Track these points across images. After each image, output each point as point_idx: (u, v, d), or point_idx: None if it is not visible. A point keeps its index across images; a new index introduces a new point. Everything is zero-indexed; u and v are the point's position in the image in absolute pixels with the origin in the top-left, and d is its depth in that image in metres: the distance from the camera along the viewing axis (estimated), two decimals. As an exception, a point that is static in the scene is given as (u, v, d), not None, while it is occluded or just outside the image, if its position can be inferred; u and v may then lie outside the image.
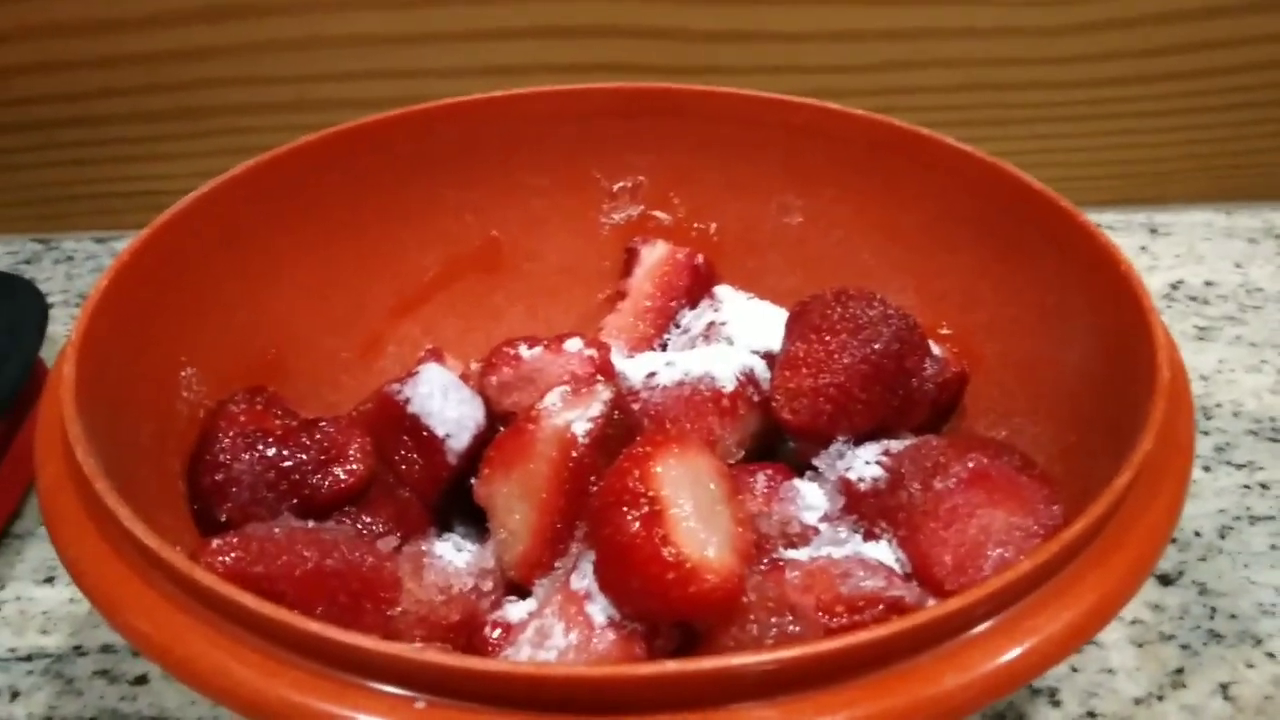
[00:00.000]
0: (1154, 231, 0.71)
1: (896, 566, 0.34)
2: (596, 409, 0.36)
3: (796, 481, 0.38)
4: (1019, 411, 0.41)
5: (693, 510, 0.31)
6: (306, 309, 0.45)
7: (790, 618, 0.31)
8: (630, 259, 0.50)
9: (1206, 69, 0.70)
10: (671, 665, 0.24)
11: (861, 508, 0.37)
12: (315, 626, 0.24)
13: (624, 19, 0.65)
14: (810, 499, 0.37)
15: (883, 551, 0.34)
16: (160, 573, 0.27)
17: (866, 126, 0.46)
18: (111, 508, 0.28)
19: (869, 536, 0.36)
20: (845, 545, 0.35)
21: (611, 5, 0.65)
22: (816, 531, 0.36)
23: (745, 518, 0.33)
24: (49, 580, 0.48)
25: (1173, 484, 0.30)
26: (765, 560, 0.34)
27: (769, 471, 0.38)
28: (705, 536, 0.31)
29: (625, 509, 0.31)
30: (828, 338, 0.39)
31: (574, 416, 0.36)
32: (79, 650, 0.44)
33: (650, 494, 0.31)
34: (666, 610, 0.31)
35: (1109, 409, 0.36)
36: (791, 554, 0.34)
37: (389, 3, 0.64)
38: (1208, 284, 0.66)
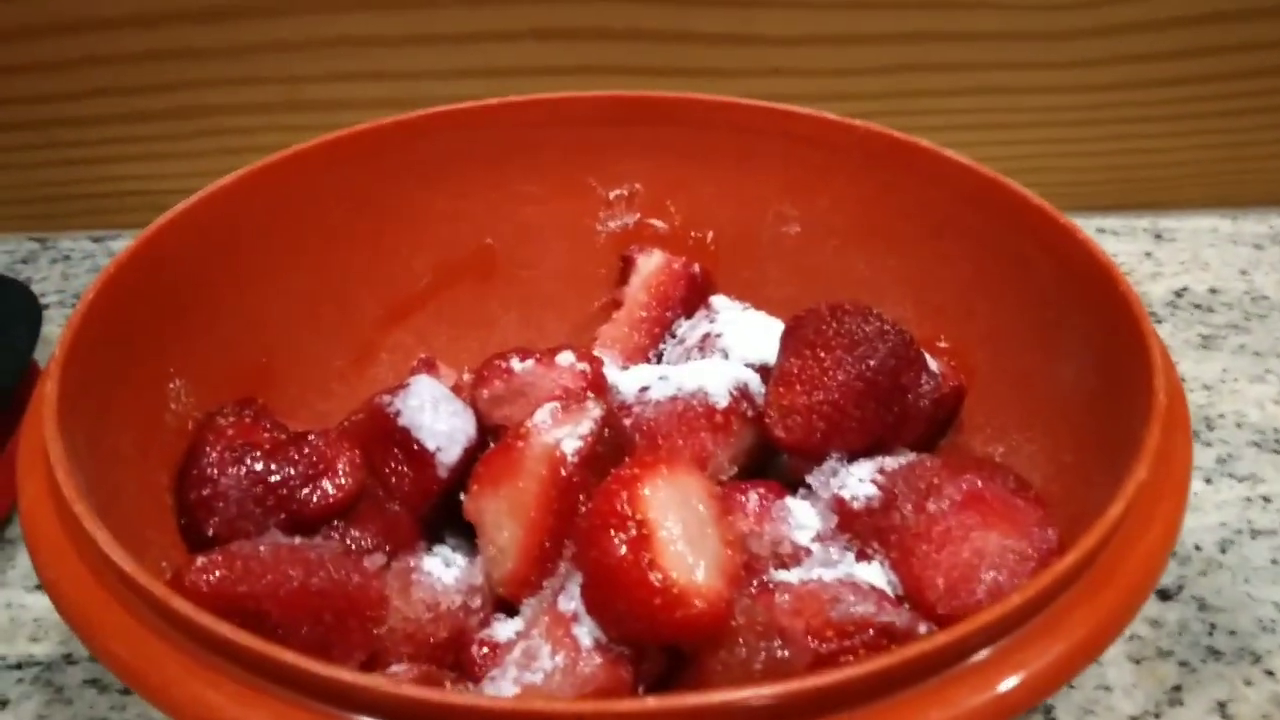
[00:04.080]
0: (1158, 237, 0.70)
1: (888, 589, 0.34)
2: (586, 426, 0.36)
3: (789, 500, 0.38)
4: (1014, 427, 0.41)
5: (680, 533, 0.31)
6: (297, 317, 0.45)
7: (779, 642, 0.31)
8: (626, 267, 0.49)
9: (1212, 74, 0.70)
10: (652, 702, 0.23)
11: (855, 527, 0.36)
12: (290, 657, 0.24)
13: (622, 21, 0.65)
14: (802, 518, 0.36)
15: (875, 573, 0.34)
16: (138, 598, 0.27)
17: (863, 137, 0.46)
18: (90, 531, 0.27)
19: (861, 557, 0.35)
20: (837, 566, 0.35)
21: (609, 7, 0.64)
22: (809, 552, 0.35)
23: (734, 539, 0.32)
24: (40, 587, 0.47)
25: (1167, 512, 0.30)
26: (755, 582, 0.33)
27: (761, 490, 0.38)
28: (693, 560, 0.31)
29: (612, 532, 0.31)
30: (822, 354, 0.39)
31: (563, 434, 0.36)
32: (69, 659, 0.44)
33: (638, 517, 0.31)
34: (653, 634, 0.31)
35: (1105, 429, 0.35)
36: (782, 575, 0.34)
37: (382, 4, 0.63)
38: (1212, 291, 0.66)
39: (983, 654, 0.26)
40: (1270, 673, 0.44)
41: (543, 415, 0.37)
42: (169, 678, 0.25)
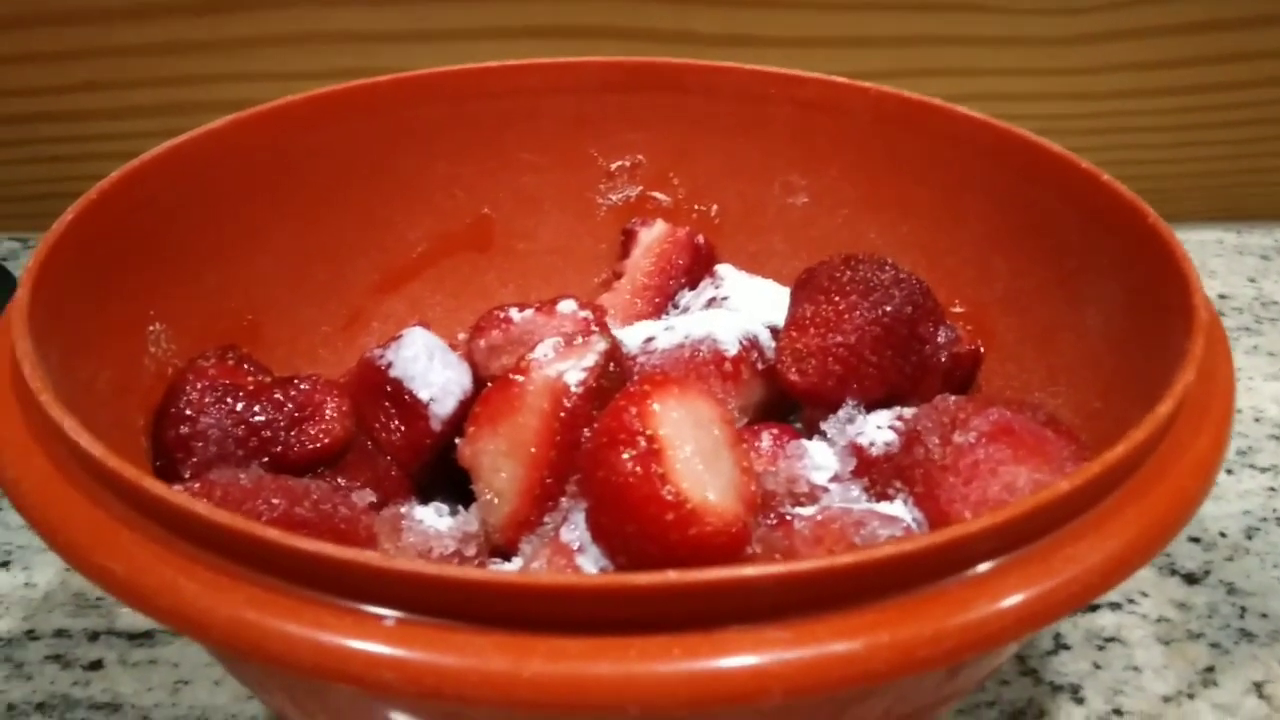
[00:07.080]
0: (1163, 246, 0.69)
1: (914, 526, 0.31)
2: (591, 359, 0.34)
3: (804, 442, 0.35)
4: (1038, 384, 0.39)
5: (694, 451, 0.29)
6: (286, 277, 0.43)
7: (800, 570, 0.28)
8: (628, 240, 0.48)
9: (1213, 83, 0.69)
10: (673, 575, 0.21)
11: (874, 470, 0.34)
12: (273, 534, 0.22)
13: None
14: (819, 458, 0.34)
15: (898, 510, 0.32)
16: (106, 488, 0.24)
17: (875, 99, 0.45)
18: (55, 419, 0.25)
19: (882, 497, 0.33)
20: (857, 504, 0.32)
21: None
22: (826, 490, 0.33)
23: (749, 466, 0.30)
24: (3, 564, 0.45)
25: (1215, 422, 0.28)
26: (773, 515, 0.31)
27: (774, 431, 0.36)
28: (708, 479, 0.28)
29: (621, 448, 0.28)
30: (837, 298, 0.37)
31: (566, 367, 0.34)
32: (31, 634, 0.41)
33: (648, 432, 0.29)
34: (665, 557, 0.28)
35: (1136, 367, 0.34)
36: (800, 510, 0.32)
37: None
38: (1221, 297, 0.65)
39: (1025, 549, 0.24)
40: (1308, 654, 0.41)
41: (544, 349, 0.35)
42: (136, 566, 0.23)
